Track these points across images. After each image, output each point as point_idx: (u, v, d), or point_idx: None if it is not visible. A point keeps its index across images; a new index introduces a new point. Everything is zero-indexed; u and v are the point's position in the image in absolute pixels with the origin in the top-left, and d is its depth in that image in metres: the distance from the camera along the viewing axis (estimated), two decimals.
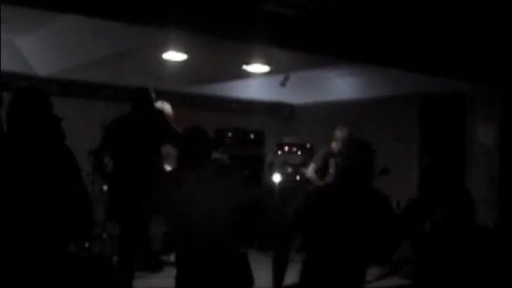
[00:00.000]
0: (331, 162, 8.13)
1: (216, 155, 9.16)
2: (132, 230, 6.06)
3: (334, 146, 8.16)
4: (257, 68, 8.44)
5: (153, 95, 6.33)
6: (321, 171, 8.17)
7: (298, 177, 9.63)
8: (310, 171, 8.26)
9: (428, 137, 9.76)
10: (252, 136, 10.43)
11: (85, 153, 7.93)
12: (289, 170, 9.99)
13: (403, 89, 9.10)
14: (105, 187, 8.09)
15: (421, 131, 9.84)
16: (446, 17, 6.49)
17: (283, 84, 9.44)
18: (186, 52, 7.53)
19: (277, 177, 9.86)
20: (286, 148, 10.21)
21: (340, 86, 10.10)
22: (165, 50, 7.42)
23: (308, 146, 10.08)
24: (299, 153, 10.11)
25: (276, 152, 10.21)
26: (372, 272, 7.53)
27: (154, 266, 7.11)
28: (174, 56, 7.63)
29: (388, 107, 9.79)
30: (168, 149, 6.74)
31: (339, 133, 8.11)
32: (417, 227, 7.90)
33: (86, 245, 7.20)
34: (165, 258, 7.48)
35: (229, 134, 10.09)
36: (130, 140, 6.11)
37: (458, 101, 9.26)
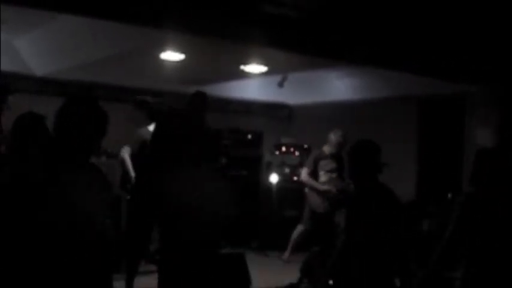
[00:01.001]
0: (322, 164, 8.13)
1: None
2: (138, 232, 6.08)
3: (327, 148, 8.16)
4: (255, 68, 8.44)
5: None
6: (313, 174, 8.18)
7: (295, 178, 9.64)
8: (303, 174, 8.27)
9: (426, 138, 9.77)
10: (250, 136, 10.43)
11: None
12: (287, 170, 10.00)
13: (402, 90, 9.11)
14: None
15: (420, 133, 9.84)
16: (445, 18, 6.49)
17: (281, 84, 9.44)
18: (183, 52, 7.53)
19: (274, 178, 9.87)
20: (283, 149, 10.22)
21: (338, 87, 10.10)
22: (162, 50, 7.42)
23: (306, 146, 10.08)
24: (297, 153, 10.12)
25: (274, 153, 10.23)
26: None
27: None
28: (171, 56, 7.62)
29: (387, 108, 9.79)
30: None
31: (333, 136, 8.11)
32: (415, 228, 7.91)
33: None
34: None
35: (227, 135, 10.08)
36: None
37: (456, 103, 9.27)
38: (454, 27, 6.70)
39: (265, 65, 8.32)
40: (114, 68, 8.38)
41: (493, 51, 7.35)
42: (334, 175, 8.17)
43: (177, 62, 7.83)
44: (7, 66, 7.66)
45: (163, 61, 7.79)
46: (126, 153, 7.05)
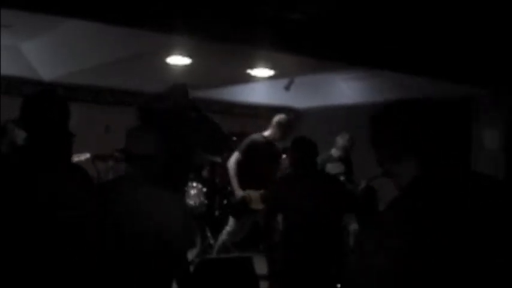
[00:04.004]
0: (329, 167, 8.10)
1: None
2: None
3: (334, 152, 8.14)
4: (261, 72, 8.44)
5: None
6: None
7: None
8: None
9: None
10: None
11: (90, 158, 7.96)
12: None
13: (408, 93, 9.09)
14: None
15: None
16: (452, 20, 6.48)
17: (287, 88, 9.43)
18: (190, 56, 7.54)
19: None
20: None
21: (345, 90, 10.10)
22: (169, 54, 7.43)
23: None
24: None
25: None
26: None
27: None
28: (178, 60, 7.63)
29: None
30: None
31: (340, 140, 8.09)
32: None
33: None
34: None
35: (234, 139, 10.05)
36: None
37: (464, 105, 9.25)
38: (461, 29, 6.69)
39: (272, 68, 8.32)
40: (120, 72, 8.40)
41: (500, 53, 7.34)
42: (341, 178, 8.14)
43: (184, 66, 7.84)
44: (15, 71, 7.71)
45: (170, 65, 7.80)
46: (233, 160, 7.46)
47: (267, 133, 7.51)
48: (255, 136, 7.47)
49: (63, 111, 3.07)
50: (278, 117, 7.54)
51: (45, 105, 3.01)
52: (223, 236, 7.43)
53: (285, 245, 5.14)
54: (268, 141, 7.40)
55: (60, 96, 3.19)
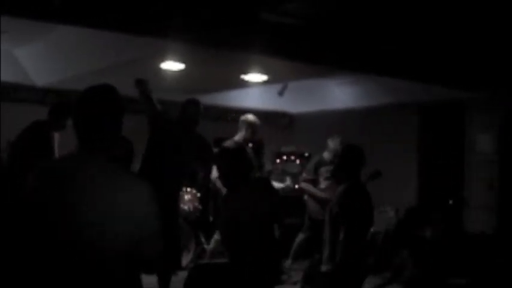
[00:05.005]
0: (322, 171, 8.09)
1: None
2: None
3: (326, 155, 8.14)
4: (255, 77, 8.44)
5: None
6: (313, 181, 8.13)
7: (296, 186, 9.62)
8: (303, 181, 8.26)
9: (427, 145, 9.78)
10: (250, 145, 10.42)
11: None
12: (288, 179, 9.98)
13: (402, 97, 9.12)
14: None
15: (420, 139, 9.85)
16: (444, 25, 6.50)
17: (281, 93, 9.44)
18: (183, 62, 7.54)
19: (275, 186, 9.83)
20: (284, 157, 10.20)
21: (338, 94, 10.10)
22: (162, 60, 7.43)
23: (306, 154, 10.07)
24: (297, 162, 10.10)
25: (275, 161, 10.20)
26: (372, 281, 7.54)
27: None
28: (171, 65, 7.63)
29: (387, 115, 9.80)
30: None
31: (331, 143, 8.09)
32: (416, 235, 7.91)
33: None
34: None
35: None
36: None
37: (456, 109, 9.28)
38: (453, 33, 6.72)
39: (266, 73, 8.32)
40: (114, 78, 8.35)
41: (492, 57, 7.37)
42: (333, 181, 8.12)
43: (178, 71, 7.84)
44: (8, 76, 7.69)
45: (163, 71, 7.80)
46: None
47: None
48: None
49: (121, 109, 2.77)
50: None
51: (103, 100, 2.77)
52: (211, 244, 7.42)
53: None
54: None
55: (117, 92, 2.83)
